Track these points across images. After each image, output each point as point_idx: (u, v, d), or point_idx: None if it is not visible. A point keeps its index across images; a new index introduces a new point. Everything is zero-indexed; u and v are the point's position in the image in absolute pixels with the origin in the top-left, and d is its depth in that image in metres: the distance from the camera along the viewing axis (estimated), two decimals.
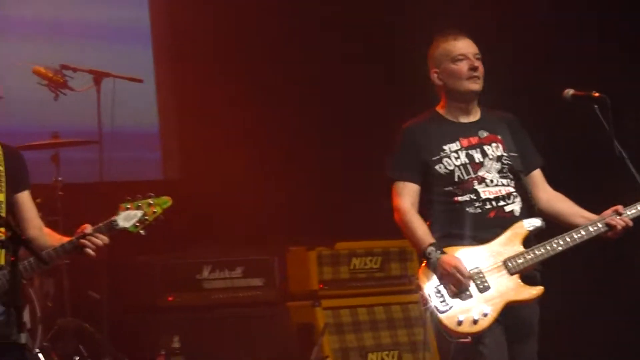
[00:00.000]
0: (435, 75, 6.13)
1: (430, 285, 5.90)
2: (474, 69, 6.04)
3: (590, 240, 6.01)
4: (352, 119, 9.81)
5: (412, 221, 6.00)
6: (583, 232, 6.01)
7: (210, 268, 8.75)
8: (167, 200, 5.64)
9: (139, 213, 5.59)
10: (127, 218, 5.59)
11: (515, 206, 6.04)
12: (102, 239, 5.54)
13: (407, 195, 6.05)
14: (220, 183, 9.25)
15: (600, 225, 6.01)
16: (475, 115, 6.18)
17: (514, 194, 6.05)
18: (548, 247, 5.96)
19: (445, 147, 6.06)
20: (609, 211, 6.04)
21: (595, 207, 6.27)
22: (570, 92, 6.29)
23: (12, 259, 5.01)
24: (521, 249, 5.95)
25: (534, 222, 6.00)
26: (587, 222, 6.04)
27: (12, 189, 5.60)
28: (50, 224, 8.20)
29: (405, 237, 6.12)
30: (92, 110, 8.33)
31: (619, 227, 6.00)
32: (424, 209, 6.07)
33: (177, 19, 9.97)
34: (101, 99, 8.32)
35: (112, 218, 5.60)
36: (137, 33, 9.93)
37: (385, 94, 9.54)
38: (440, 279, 5.86)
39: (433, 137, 6.09)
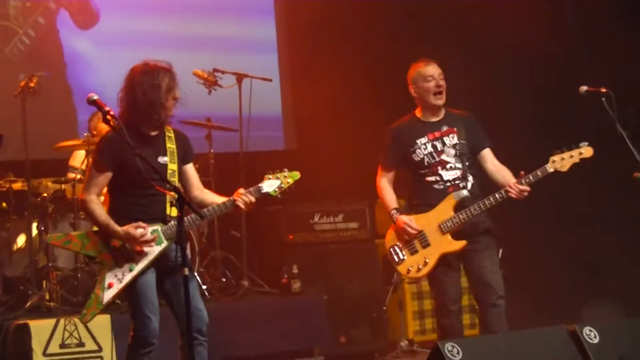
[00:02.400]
0: (412, 89, 6.37)
1: (388, 245, 6.30)
2: (438, 86, 6.27)
3: (503, 202, 6.14)
4: None
5: (384, 194, 6.41)
6: (492, 199, 6.12)
7: (320, 215, 8.73)
8: (297, 174, 5.78)
9: (278, 182, 5.70)
10: (269, 185, 5.69)
11: (468, 183, 6.25)
12: (250, 198, 5.59)
13: (385, 176, 6.45)
14: (327, 153, 9.24)
15: (503, 193, 6.12)
16: (440, 115, 6.37)
17: (467, 174, 6.26)
18: (468, 212, 6.15)
19: (417, 141, 6.30)
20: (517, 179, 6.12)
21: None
22: (584, 88, 6.34)
23: (179, 214, 5.05)
24: (452, 214, 6.14)
25: (460, 194, 6.18)
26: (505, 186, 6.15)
27: (182, 161, 5.65)
28: (204, 183, 8.25)
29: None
30: (234, 102, 8.33)
31: (513, 194, 6.08)
32: (409, 185, 6.41)
33: (295, 33, 9.96)
34: (242, 93, 8.31)
35: (259, 185, 5.67)
36: (267, 45, 9.89)
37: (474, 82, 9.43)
38: (398, 234, 6.23)
39: (409, 134, 6.33)
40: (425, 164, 6.26)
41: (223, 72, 8.30)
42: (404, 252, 6.22)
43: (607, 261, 9.07)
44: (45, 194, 7.77)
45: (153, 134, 5.58)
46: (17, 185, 7.82)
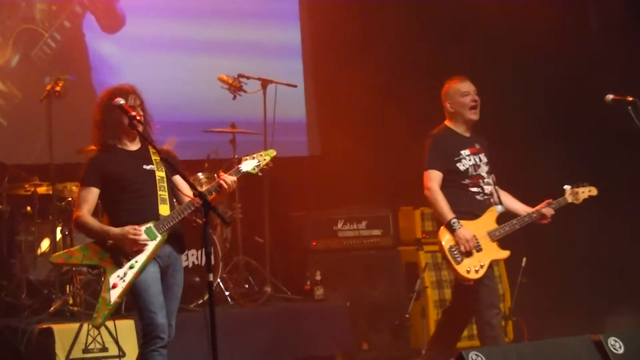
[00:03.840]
0: (448, 105, 6.70)
1: (448, 245, 6.51)
2: (475, 101, 6.65)
3: (531, 223, 6.72)
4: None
5: (440, 199, 6.57)
6: (528, 218, 6.66)
7: (343, 221, 8.74)
8: (273, 152, 5.97)
9: (255, 161, 5.89)
10: (247, 165, 5.88)
11: (494, 198, 6.69)
12: (230, 178, 5.78)
13: (435, 180, 6.60)
14: (351, 159, 9.23)
15: (536, 214, 6.68)
16: (470, 133, 6.74)
17: (494, 189, 6.71)
18: (512, 225, 6.61)
19: (462, 152, 6.62)
20: (543, 203, 6.70)
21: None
22: (610, 96, 6.45)
23: (204, 220, 5.09)
24: (495, 225, 6.59)
25: (500, 208, 6.68)
26: (527, 211, 6.69)
27: (170, 171, 5.82)
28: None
29: (432, 208, 6.73)
30: (259, 107, 8.33)
31: (548, 216, 6.69)
32: (445, 193, 6.58)
33: (320, 40, 9.97)
34: (266, 99, 8.32)
35: (238, 166, 5.88)
36: (292, 51, 9.90)
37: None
38: (458, 242, 6.46)
39: (453, 144, 6.66)
40: (469, 174, 6.61)
41: (248, 78, 8.28)
42: (462, 254, 6.49)
43: (631, 268, 9.03)
44: (70, 198, 7.80)
45: (133, 148, 5.78)
46: (42, 189, 7.86)
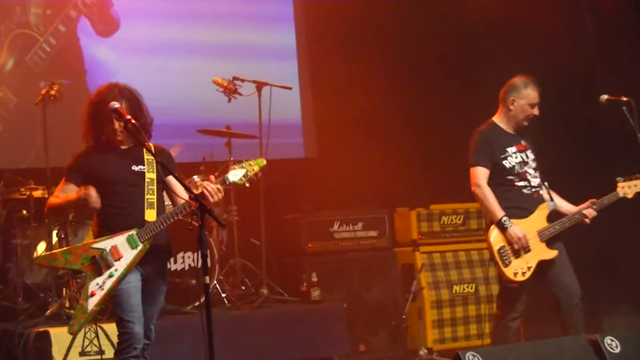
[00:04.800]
0: (512, 102, 6.59)
1: (497, 246, 6.40)
2: (535, 116, 6.61)
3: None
4: (444, 114, 9.71)
5: (490, 196, 6.48)
6: (579, 215, 6.54)
7: (339, 223, 8.74)
8: (262, 161, 5.79)
9: (243, 171, 5.70)
10: (235, 175, 5.69)
11: (543, 191, 6.59)
12: (215, 186, 5.60)
13: (484, 177, 6.50)
14: (347, 161, 9.24)
15: (579, 215, 6.55)
16: (515, 131, 6.68)
17: (542, 184, 6.61)
18: (562, 223, 6.51)
19: (508, 149, 6.56)
20: (587, 203, 6.58)
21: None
22: (605, 97, 6.51)
23: (199, 222, 5.08)
24: (546, 223, 6.48)
25: (552, 205, 6.56)
26: (575, 211, 6.57)
27: (163, 172, 5.71)
28: (225, 191, 8.25)
29: (481, 206, 6.59)
30: (254, 109, 8.33)
31: (589, 217, 6.56)
32: (491, 189, 6.50)
33: (315, 40, 9.95)
34: (261, 101, 8.31)
35: (225, 175, 5.69)
36: (287, 53, 9.89)
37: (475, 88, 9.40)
38: (509, 241, 6.35)
39: (499, 141, 6.58)
40: (516, 172, 6.54)
41: (243, 80, 8.27)
42: (510, 255, 6.41)
43: (629, 269, 9.04)
44: None
45: (124, 147, 5.70)
46: (38, 193, 7.85)
